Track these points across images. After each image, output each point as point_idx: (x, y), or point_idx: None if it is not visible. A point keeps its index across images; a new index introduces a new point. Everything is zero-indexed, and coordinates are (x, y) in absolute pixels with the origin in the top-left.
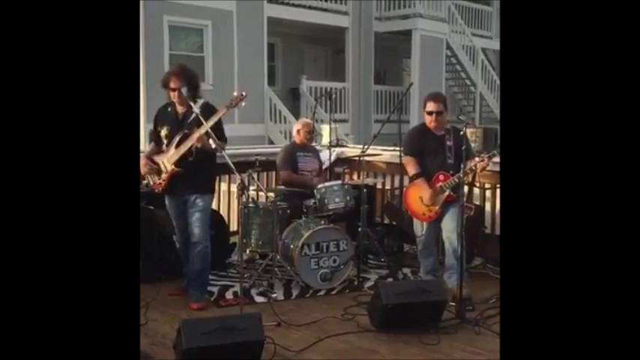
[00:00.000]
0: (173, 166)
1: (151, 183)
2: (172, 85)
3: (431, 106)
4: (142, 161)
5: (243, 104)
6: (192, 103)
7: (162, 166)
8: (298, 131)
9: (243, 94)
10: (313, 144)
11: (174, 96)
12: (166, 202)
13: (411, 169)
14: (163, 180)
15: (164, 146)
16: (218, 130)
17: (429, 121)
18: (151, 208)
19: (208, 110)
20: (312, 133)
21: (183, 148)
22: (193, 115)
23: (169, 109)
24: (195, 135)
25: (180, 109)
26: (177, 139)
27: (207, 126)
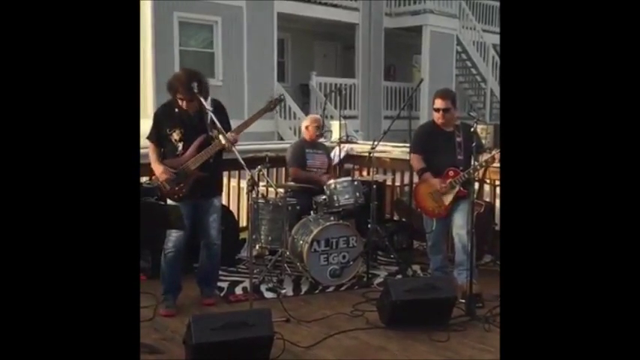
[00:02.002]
0: (199, 171)
1: (167, 188)
2: (182, 95)
3: (438, 102)
4: (160, 168)
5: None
6: (205, 104)
7: (184, 172)
8: (307, 127)
9: (282, 96)
10: (322, 140)
11: (185, 104)
12: (172, 203)
13: (417, 165)
14: (184, 186)
15: (179, 150)
16: (228, 125)
17: (437, 117)
18: (162, 203)
19: (220, 109)
20: (320, 129)
21: (211, 151)
22: (211, 115)
23: (176, 109)
24: (224, 138)
25: (190, 109)
26: (198, 142)
27: (245, 128)
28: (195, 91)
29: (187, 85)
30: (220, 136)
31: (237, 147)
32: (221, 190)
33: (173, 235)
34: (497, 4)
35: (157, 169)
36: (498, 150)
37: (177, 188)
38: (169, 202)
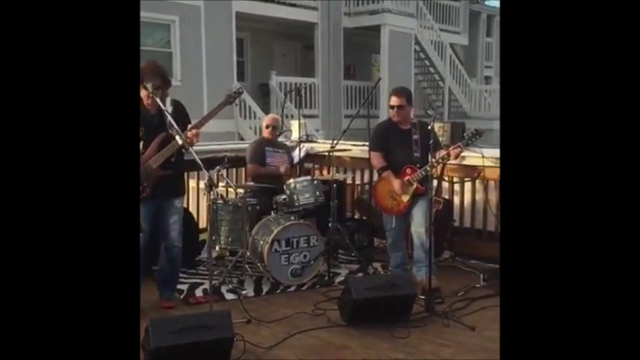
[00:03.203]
0: (161, 169)
1: None
2: (148, 83)
3: (393, 100)
4: None
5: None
6: (160, 102)
7: (146, 171)
8: (265, 127)
9: (240, 89)
10: (282, 139)
11: (147, 95)
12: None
13: (377, 163)
14: (147, 185)
15: (140, 149)
16: (187, 126)
17: (392, 115)
18: None
19: (180, 109)
20: (279, 129)
21: (170, 150)
22: (169, 115)
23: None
24: (180, 138)
25: (152, 108)
26: (158, 140)
27: (206, 122)
28: (150, 90)
29: (154, 75)
30: (177, 137)
31: (196, 147)
32: (183, 191)
33: None
34: (454, 3)
35: None
36: (454, 146)
37: (140, 188)
38: None
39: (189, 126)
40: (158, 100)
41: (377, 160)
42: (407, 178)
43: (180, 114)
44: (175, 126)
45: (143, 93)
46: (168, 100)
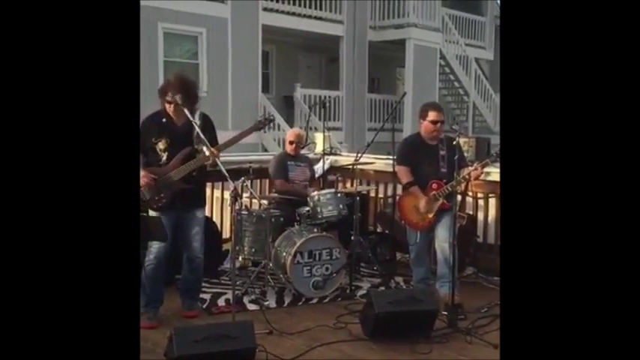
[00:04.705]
0: (182, 182)
1: (147, 198)
2: (171, 95)
3: (434, 115)
4: (141, 173)
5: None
6: (190, 116)
7: (166, 182)
8: (288, 142)
9: (271, 116)
10: (306, 152)
11: (170, 108)
12: (153, 214)
13: (405, 178)
14: (164, 197)
15: (163, 160)
16: (215, 141)
17: (432, 130)
18: (143, 214)
19: (208, 123)
20: (302, 144)
21: (196, 164)
22: (197, 129)
23: (164, 119)
24: (208, 150)
25: (177, 120)
26: (182, 153)
27: (230, 145)
28: (179, 102)
29: (179, 89)
30: (204, 148)
31: (221, 158)
32: (204, 202)
33: (154, 247)
34: (480, 18)
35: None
36: (481, 163)
37: (156, 198)
38: (150, 213)
39: (214, 148)
40: (187, 112)
41: (404, 174)
42: (433, 193)
43: (208, 128)
44: (204, 138)
45: (168, 105)
46: (197, 114)
